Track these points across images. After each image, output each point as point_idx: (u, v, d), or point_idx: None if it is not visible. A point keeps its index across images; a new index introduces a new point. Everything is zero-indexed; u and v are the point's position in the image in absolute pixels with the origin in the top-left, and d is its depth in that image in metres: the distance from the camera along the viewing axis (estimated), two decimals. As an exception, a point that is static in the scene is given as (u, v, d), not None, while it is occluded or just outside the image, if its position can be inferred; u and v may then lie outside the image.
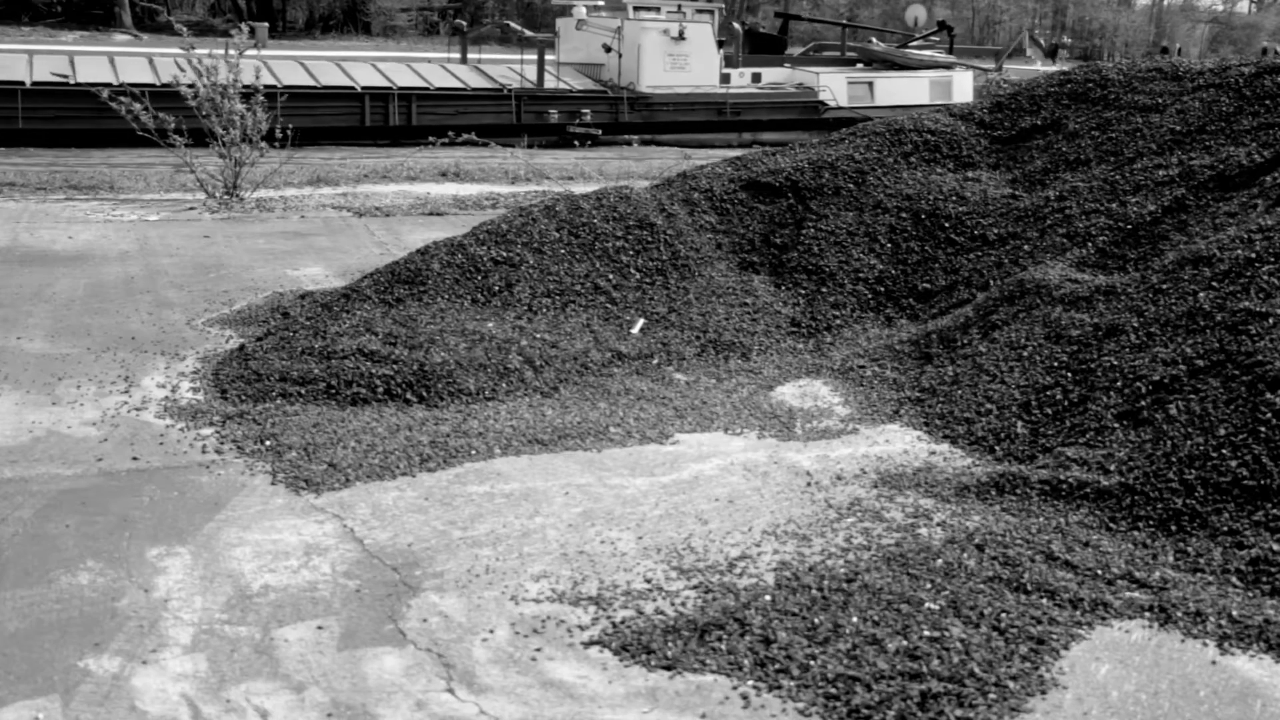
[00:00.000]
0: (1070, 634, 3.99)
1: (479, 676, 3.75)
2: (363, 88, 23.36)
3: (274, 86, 18.13)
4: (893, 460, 5.68)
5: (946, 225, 8.19)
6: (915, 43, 34.00)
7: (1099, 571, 4.39)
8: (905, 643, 3.85)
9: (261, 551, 4.58)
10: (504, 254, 7.68)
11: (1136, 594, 4.25)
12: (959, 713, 3.52)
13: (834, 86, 28.36)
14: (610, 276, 7.78)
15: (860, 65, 30.35)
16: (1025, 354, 6.32)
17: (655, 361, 7.11)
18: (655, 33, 26.29)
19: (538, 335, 6.99)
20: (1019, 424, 5.82)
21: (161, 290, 8.95)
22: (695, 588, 4.34)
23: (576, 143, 24.03)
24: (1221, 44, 72.68)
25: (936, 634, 3.90)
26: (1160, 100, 8.60)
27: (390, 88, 23.41)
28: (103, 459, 5.50)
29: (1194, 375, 5.43)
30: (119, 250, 10.37)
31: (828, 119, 27.83)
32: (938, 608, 4.08)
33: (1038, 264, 7.37)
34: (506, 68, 26.03)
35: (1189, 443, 5.01)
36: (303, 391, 6.29)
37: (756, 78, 28.57)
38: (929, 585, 4.26)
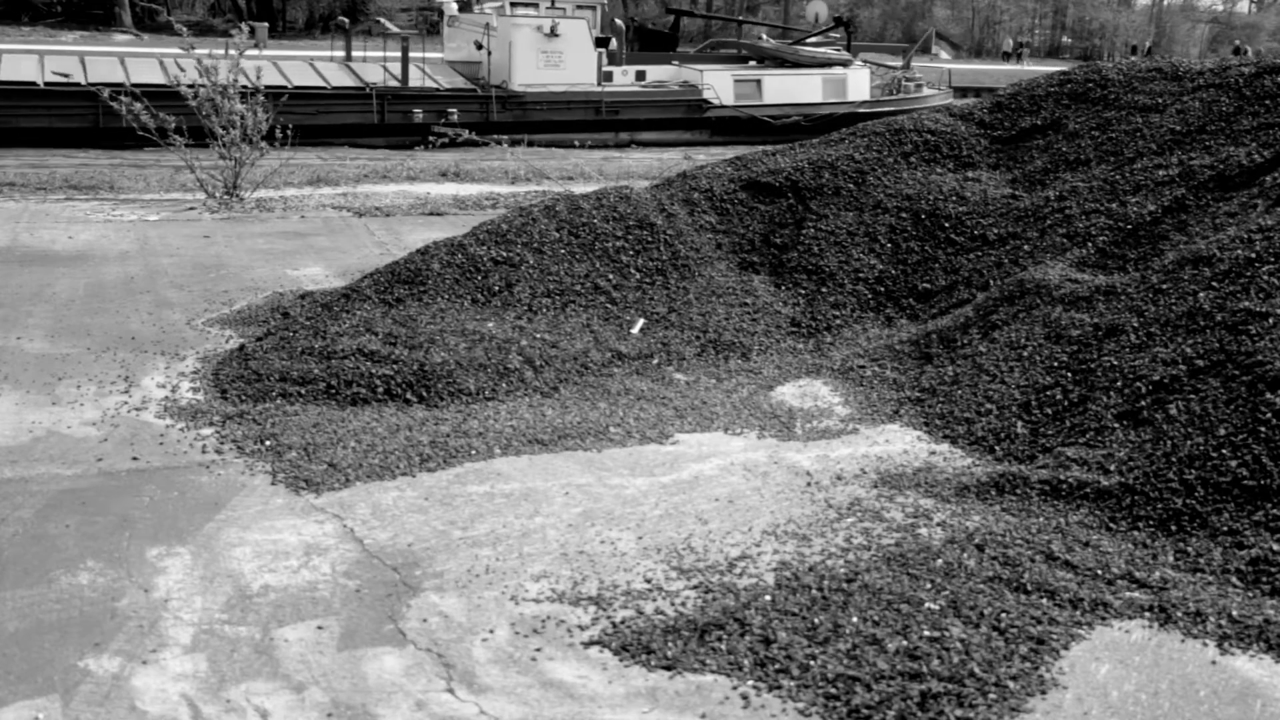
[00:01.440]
0: (1070, 634, 3.99)
1: (479, 676, 3.75)
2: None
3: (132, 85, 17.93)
4: (893, 460, 5.68)
5: (946, 225, 8.19)
6: (813, 39, 33.21)
7: (1099, 571, 4.39)
8: (905, 643, 3.85)
9: (261, 551, 4.58)
10: (504, 254, 7.68)
11: (1136, 594, 4.25)
12: (959, 713, 3.52)
13: (718, 84, 27.49)
14: (610, 276, 7.78)
15: (753, 63, 29.53)
16: (1025, 354, 6.32)
17: (655, 361, 7.11)
18: (528, 29, 25.41)
19: (538, 335, 6.99)
20: (1019, 424, 5.82)
21: (161, 290, 8.95)
22: (695, 588, 4.34)
23: (430, 142, 22.42)
24: (1221, 44, 72.64)
25: (936, 634, 3.90)
26: (1160, 100, 8.60)
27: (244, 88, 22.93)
28: (103, 459, 5.50)
29: (1194, 375, 5.43)
30: (119, 250, 10.37)
31: (710, 118, 27.16)
32: (938, 608, 4.08)
33: (1038, 264, 7.36)
34: (382, 67, 25.07)
35: (1189, 443, 5.01)
36: (303, 391, 6.29)
37: (641, 76, 27.74)
38: (929, 585, 4.26)
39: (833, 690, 3.65)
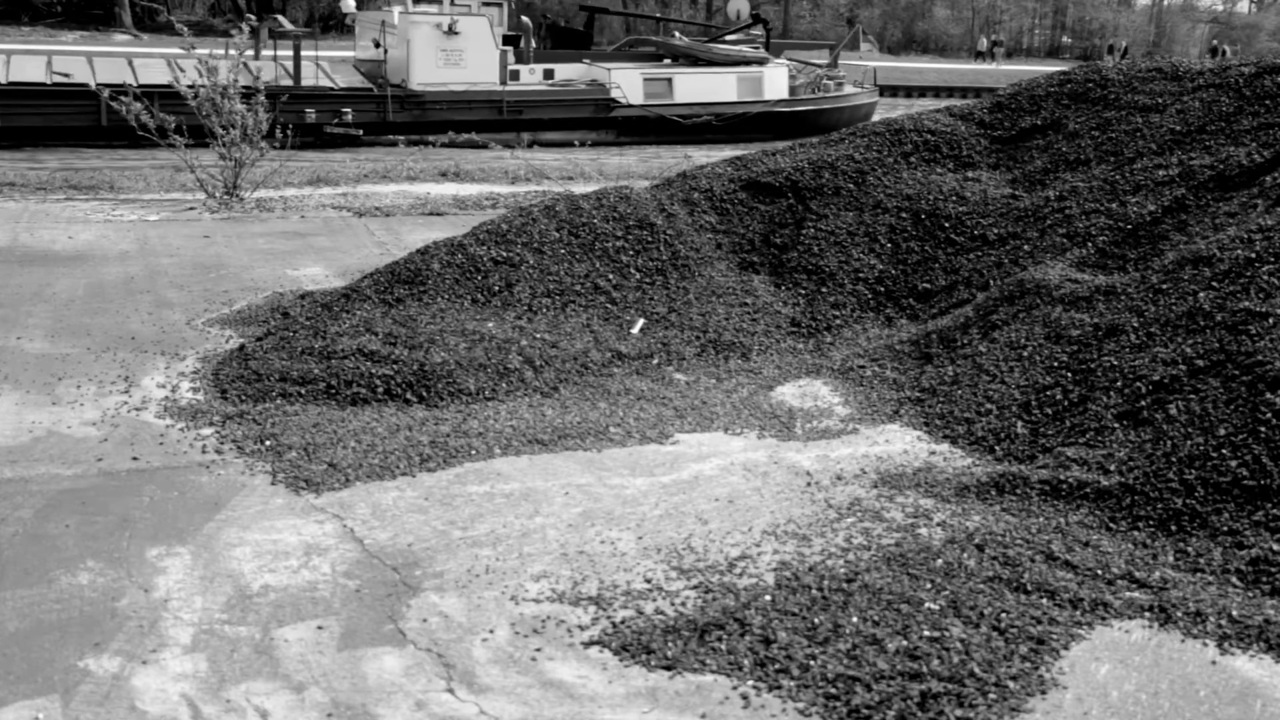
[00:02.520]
0: (1070, 634, 3.99)
1: (479, 676, 3.75)
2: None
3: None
4: (893, 460, 5.68)
5: (946, 225, 8.19)
6: (733, 36, 32.37)
7: (1099, 571, 4.39)
8: (905, 643, 3.85)
9: (261, 551, 4.58)
10: (504, 254, 7.68)
11: (1136, 594, 4.25)
12: (959, 713, 3.52)
13: (627, 83, 26.78)
14: (610, 276, 7.78)
15: (668, 61, 28.81)
16: (1025, 354, 6.32)
17: (655, 361, 7.11)
18: (427, 27, 24.71)
19: (538, 335, 6.99)
20: (1019, 424, 5.82)
21: (161, 290, 8.95)
22: (695, 588, 4.34)
23: (315, 141, 21.64)
24: (1221, 44, 72.64)
25: (936, 634, 3.90)
26: (1160, 100, 8.60)
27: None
28: (103, 459, 5.50)
29: (1194, 375, 5.43)
30: (119, 250, 10.37)
31: (617, 118, 26.48)
32: (938, 608, 4.08)
33: (1038, 264, 7.36)
34: (279, 65, 24.27)
35: (1189, 443, 5.01)
36: (303, 391, 6.29)
37: (549, 74, 27.04)
38: (929, 585, 4.26)
39: (833, 690, 3.65)
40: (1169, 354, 5.66)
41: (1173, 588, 4.28)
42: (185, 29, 14.86)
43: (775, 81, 29.10)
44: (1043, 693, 3.67)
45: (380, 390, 6.29)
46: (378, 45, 25.09)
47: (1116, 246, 7.26)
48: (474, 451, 5.62)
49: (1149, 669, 3.82)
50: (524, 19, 29.18)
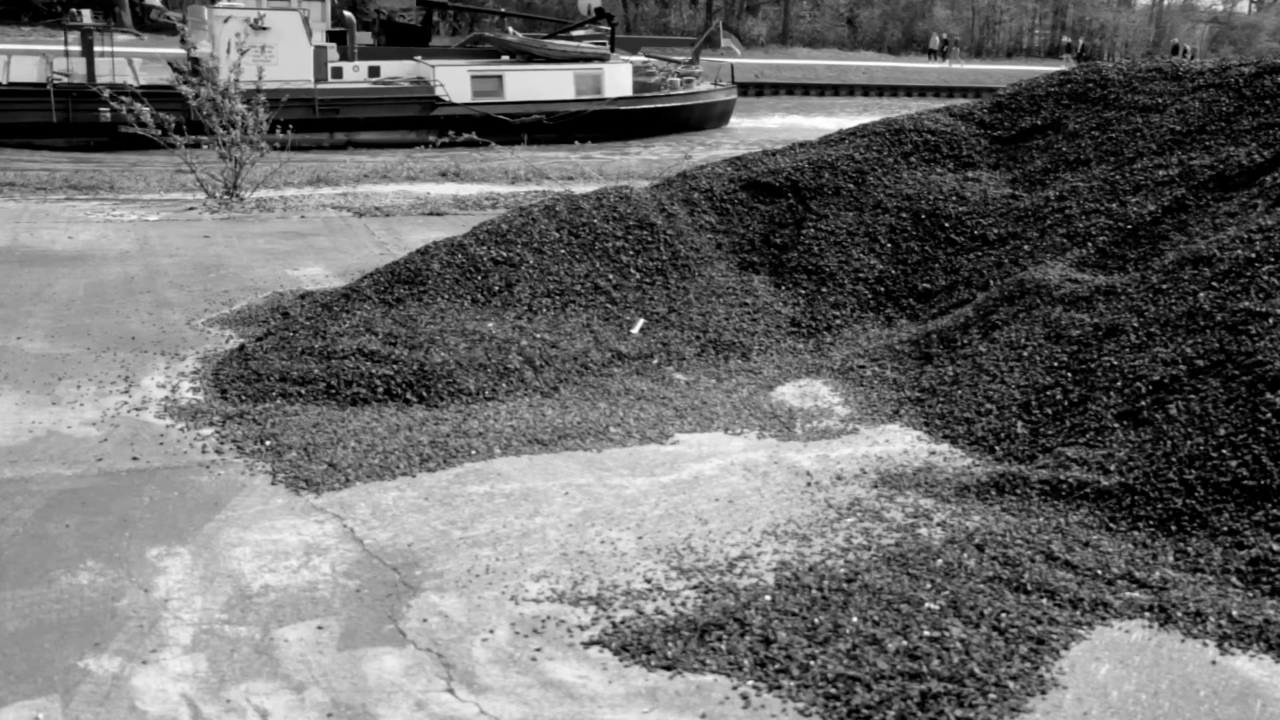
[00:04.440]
0: (1070, 634, 3.99)
1: (479, 676, 3.75)
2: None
3: None
4: (893, 460, 5.68)
5: (946, 225, 8.19)
6: (581, 32, 31.62)
7: (1099, 571, 4.39)
8: (905, 643, 3.85)
9: (261, 551, 4.58)
10: (504, 254, 7.68)
11: (1136, 594, 4.25)
12: (959, 713, 3.52)
13: (453, 81, 25.79)
14: (610, 276, 7.78)
15: (507, 58, 28.02)
16: (1025, 354, 6.32)
17: (655, 361, 7.11)
18: (235, 21, 23.64)
19: (538, 335, 6.99)
20: (1019, 424, 5.82)
21: (161, 290, 8.95)
22: (695, 588, 4.34)
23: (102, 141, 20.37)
24: (1221, 44, 72.65)
25: (936, 634, 3.90)
26: (1160, 100, 8.60)
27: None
28: (103, 459, 5.50)
29: (1194, 375, 5.43)
30: (119, 250, 10.37)
31: (439, 117, 25.44)
32: (938, 608, 4.08)
33: (1038, 264, 7.36)
34: (75, 59, 23.19)
35: (1189, 443, 5.01)
36: (303, 391, 6.29)
37: (374, 72, 26.11)
38: (929, 585, 4.26)
39: (833, 690, 3.65)
40: (1169, 354, 5.66)
41: (1173, 588, 4.28)
42: (186, 28, 14.77)
43: (617, 79, 28.13)
44: (1043, 693, 3.67)
45: (380, 390, 6.29)
46: (182, 41, 24.59)
47: (1116, 246, 7.26)
48: (474, 451, 5.62)
49: (1149, 669, 3.82)
50: (347, 14, 28.06)
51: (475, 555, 4.59)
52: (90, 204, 12.96)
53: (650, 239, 8.12)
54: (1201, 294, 5.96)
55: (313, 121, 24.10)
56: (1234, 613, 4.08)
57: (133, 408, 6.23)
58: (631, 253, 7.99)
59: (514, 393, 6.45)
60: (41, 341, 7.43)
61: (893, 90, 52.14)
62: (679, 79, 30.84)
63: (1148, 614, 4.13)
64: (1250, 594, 4.24)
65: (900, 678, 3.68)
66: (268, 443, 5.65)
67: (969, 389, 6.28)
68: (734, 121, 34.80)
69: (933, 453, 5.79)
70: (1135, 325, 6.05)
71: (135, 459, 5.51)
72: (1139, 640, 3.99)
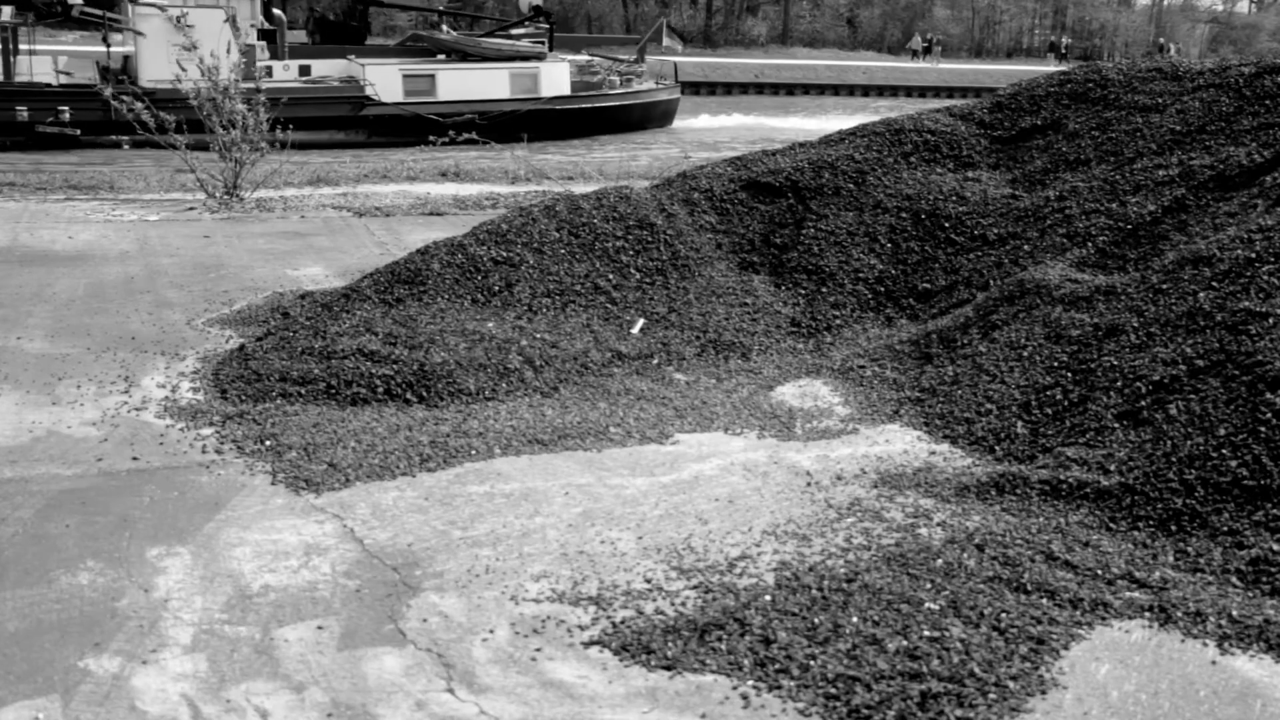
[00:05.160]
0: (1070, 634, 3.99)
1: (479, 676, 3.75)
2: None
3: None
4: (893, 460, 5.68)
5: (946, 225, 8.19)
6: (519, 31, 31.12)
7: (1099, 571, 4.39)
8: (905, 643, 3.85)
9: (261, 551, 4.58)
10: (504, 254, 7.68)
11: (1136, 594, 4.25)
12: (959, 713, 3.52)
13: (383, 80, 25.32)
14: (610, 276, 7.78)
15: (442, 57, 27.54)
16: (1025, 354, 6.32)
17: (655, 361, 7.11)
18: (157, 20, 23.29)
19: (538, 335, 6.99)
20: (1019, 424, 5.82)
21: (161, 290, 8.95)
22: (695, 588, 4.34)
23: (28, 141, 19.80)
24: (1221, 44, 72.67)
25: (936, 634, 3.90)
26: (1160, 100, 8.60)
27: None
28: (103, 459, 5.50)
29: (1194, 375, 5.43)
30: (119, 250, 10.37)
31: (368, 117, 25.09)
32: (938, 608, 4.08)
33: (1038, 264, 7.36)
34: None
35: (1189, 443, 5.01)
36: (303, 391, 6.29)
37: (305, 71, 25.63)
38: (929, 585, 4.26)
39: (833, 690, 3.65)
40: (1169, 354, 5.66)
41: (1173, 588, 4.28)
42: (186, 28, 14.79)
43: (554, 78, 27.69)
44: (1043, 693, 3.67)
45: (380, 390, 6.29)
46: (104, 40, 23.66)
47: (1116, 246, 7.26)
48: (474, 451, 5.62)
49: (1149, 669, 3.82)
50: (276, 12, 27.62)
51: (475, 555, 4.59)
52: (90, 204, 12.96)
53: (650, 239, 8.12)
54: (1201, 294, 5.96)
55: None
56: (1234, 613, 4.08)
57: (133, 408, 6.23)
58: (631, 253, 7.99)
59: (514, 393, 6.45)
60: (41, 341, 7.43)
61: (892, 90, 52.28)
62: (619, 78, 30.50)
63: (1148, 614, 4.13)
64: (1250, 594, 4.24)
65: (900, 678, 3.68)
66: (268, 443, 5.65)
67: (969, 389, 6.28)
68: (678, 122, 34.42)
69: (933, 453, 5.79)
70: (1135, 325, 6.05)
71: (135, 459, 5.51)
72: (1139, 640, 3.99)
